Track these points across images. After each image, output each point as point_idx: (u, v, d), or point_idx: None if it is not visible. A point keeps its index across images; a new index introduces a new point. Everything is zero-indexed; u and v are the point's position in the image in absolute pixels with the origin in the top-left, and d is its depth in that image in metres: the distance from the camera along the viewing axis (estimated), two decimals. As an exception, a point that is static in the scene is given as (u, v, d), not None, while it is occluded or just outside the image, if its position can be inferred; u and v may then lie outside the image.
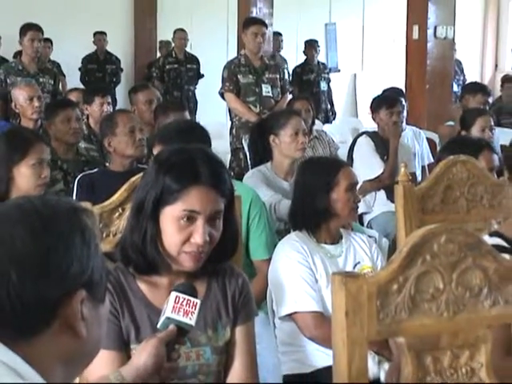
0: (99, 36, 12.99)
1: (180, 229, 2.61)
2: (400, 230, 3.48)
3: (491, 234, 2.87)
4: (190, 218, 2.59)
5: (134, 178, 3.17)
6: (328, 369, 3.65)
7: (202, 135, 4.56)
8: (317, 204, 3.91)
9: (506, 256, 2.42)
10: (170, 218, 2.62)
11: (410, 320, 2.21)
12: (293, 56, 13.39)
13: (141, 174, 3.00)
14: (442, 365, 2.27)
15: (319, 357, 3.77)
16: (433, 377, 2.25)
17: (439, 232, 2.23)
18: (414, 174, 6.65)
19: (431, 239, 2.22)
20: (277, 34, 12.61)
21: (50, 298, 1.66)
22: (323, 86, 12.47)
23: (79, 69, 12.92)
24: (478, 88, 8.48)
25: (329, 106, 12.50)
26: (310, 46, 12.72)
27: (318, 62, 12.69)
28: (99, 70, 12.46)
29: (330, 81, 12.74)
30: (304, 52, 12.67)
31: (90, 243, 1.73)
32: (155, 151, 4.51)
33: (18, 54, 9.38)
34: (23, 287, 1.64)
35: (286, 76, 8.77)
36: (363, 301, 2.13)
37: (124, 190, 3.14)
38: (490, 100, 8.55)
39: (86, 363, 1.83)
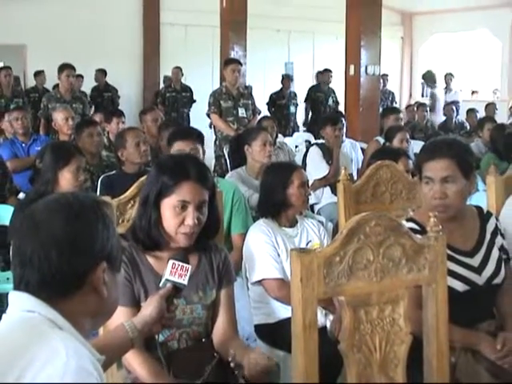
0: (99, 72, 12.83)
1: (176, 214, 2.62)
2: (341, 217, 3.49)
3: (407, 220, 2.87)
4: (183, 206, 2.61)
5: (141, 179, 3.14)
6: (287, 319, 3.65)
7: (200, 135, 4.65)
8: (276, 198, 3.90)
9: (418, 236, 2.43)
10: (168, 206, 2.63)
11: (348, 283, 2.21)
12: (261, 87, 13.38)
13: (144, 178, 3.00)
14: (372, 316, 2.28)
15: (281, 311, 3.75)
16: (365, 325, 2.26)
17: (370, 218, 2.24)
18: (351, 175, 6.65)
19: (364, 223, 2.22)
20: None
21: (81, 269, 1.67)
22: (292, 109, 12.38)
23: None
24: (393, 110, 8.58)
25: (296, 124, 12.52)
26: (286, 79, 12.66)
27: (290, 92, 12.58)
28: (98, 96, 12.28)
29: (297, 105, 12.67)
30: (281, 83, 12.60)
31: (109, 227, 1.73)
32: (179, 147, 4.50)
33: (56, 86, 9.32)
34: (60, 260, 1.64)
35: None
36: (313, 270, 2.13)
37: (135, 187, 3.12)
38: (403, 117, 8.69)
39: (108, 317, 1.83)
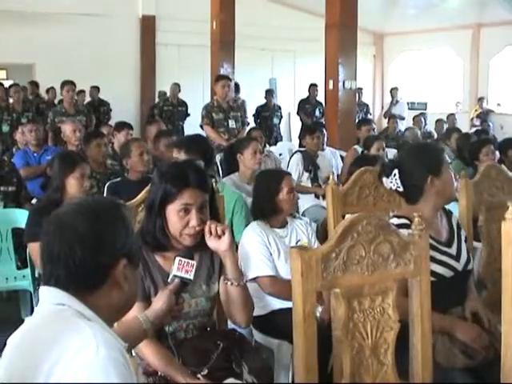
0: (93, 89, 12.85)
1: (180, 218, 2.61)
2: (329, 217, 3.48)
3: (398, 217, 2.88)
4: (186, 209, 2.60)
5: (149, 186, 3.12)
6: (279, 310, 3.70)
7: (206, 145, 4.61)
8: (268, 203, 3.90)
9: (409, 231, 2.44)
10: (173, 212, 2.62)
11: (343, 277, 2.22)
12: (247, 100, 13.37)
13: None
14: (364, 306, 2.29)
15: (273, 304, 3.77)
16: (358, 314, 2.27)
17: (362, 218, 2.25)
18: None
19: (356, 223, 2.23)
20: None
21: (104, 265, 1.67)
22: (275, 120, 12.33)
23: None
24: (367, 121, 8.63)
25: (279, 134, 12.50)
26: (269, 93, 12.64)
27: (274, 104, 12.55)
28: (95, 110, 12.07)
29: (281, 117, 12.63)
30: (265, 97, 12.61)
31: (128, 227, 1.74)
32: (175, 154, 4.47)
33: (60, 101, 9.33)
34: (85, 258, 1.65)
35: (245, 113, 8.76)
36: (312, 265, 2.13)
37: (145, 192, 3.11)
38: (375, 128, 8.76)
39: (128, 308, 1.83)
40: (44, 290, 1.70)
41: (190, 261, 2.46)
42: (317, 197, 6.72)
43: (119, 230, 1.70)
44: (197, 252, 2.73)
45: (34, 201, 5.51)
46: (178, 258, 2.46)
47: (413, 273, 2.36)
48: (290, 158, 7.14)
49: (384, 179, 3.01)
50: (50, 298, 1.68)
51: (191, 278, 2.44)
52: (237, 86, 11.97)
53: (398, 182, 2.95)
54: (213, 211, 2.72)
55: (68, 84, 8.44)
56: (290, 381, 3.63)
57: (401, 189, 2.97)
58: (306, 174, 6.87)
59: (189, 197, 2.60)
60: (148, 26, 14.40)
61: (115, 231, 1.69)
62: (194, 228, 2.60)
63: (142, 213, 3.07)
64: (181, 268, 2.44)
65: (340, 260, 2.19)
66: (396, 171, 2.95)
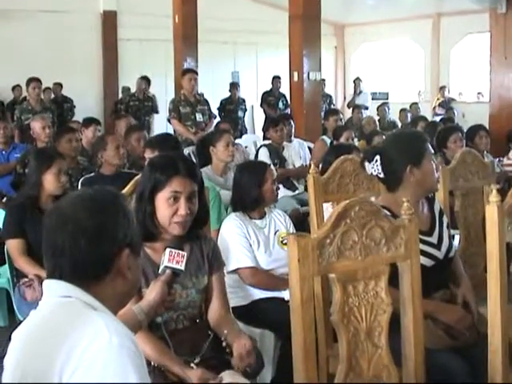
0: (56, 86, 12.68)
1: (169, 206, 2.65)
2: (311, 205, 3.48)
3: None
4: (175, 197, 2.64)
5: (137, 177, 3.11)
6: (260, 300, 3.73)
7: (175, 142, 4.66)
8: (253, 195, 3.93)
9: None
10: (162, 199, 2.65)
11: (338, 262, 2.25)
12: (210, 94, 13.36)
13: (139, 176, 2.99)
14: (359, 290, 2.32)
15: (254, 293, 3.80)
16: (353, 298, 2.30)
17: (354, 204, 2.28)
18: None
19: (349, 209, 2.26)
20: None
21: (107, 255, 1.69)
22: (240, 113, 12.37)
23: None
24: (334, 112, 8.69)
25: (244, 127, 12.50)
26: (234, 86, 12.64)
27: (239, 98, 12.57)
28: (58, 107, 11.93)
29: (246, 110, 12.67)
30: (229, 90, 12.60)
31: (129, 217, 1.76)
32: (146, 154, 4.49)
33: (24, 99, 9.24)
34: (89, 248, 1.66)
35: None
36: (308, 251, 2.16)
37: (131, 185, 3.10)
38: (342, 118, 8.84)
39: (131, 297, 1.87)
40: (49, 283, 1.71)
41: (181, 251, 2.48)
42: (287, 188, 6.75)
43: (121, 220, 1.72)
44: (187, 244, 2.75)
45: (4, 199, 5.46)
46: (168, 249, 2.47)
47: (403, 256, 2.40)
48: (257, 153, 7.14)
49: (366, 164, 3.04)
50: (56, 290, 1.69)
51: (182, 268, 2.46)
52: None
53: (379, 168, 2.99)
54: (202, 202, 2.75)
55: (34, 81, 8.38)
56: (273, 367, 3.67)
57: (381, 175, 3.01)
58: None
59: (178, 184, 2.64)
60: (109, 22, 14.27)
61: (117, 221, 1.71)
62: (182, 216, 2.63)
63: (129, 205, 3.07)
64: (172, 259, 2.45)
65: (334, 245, 2.22)
66: (378, 157, 2.99)
